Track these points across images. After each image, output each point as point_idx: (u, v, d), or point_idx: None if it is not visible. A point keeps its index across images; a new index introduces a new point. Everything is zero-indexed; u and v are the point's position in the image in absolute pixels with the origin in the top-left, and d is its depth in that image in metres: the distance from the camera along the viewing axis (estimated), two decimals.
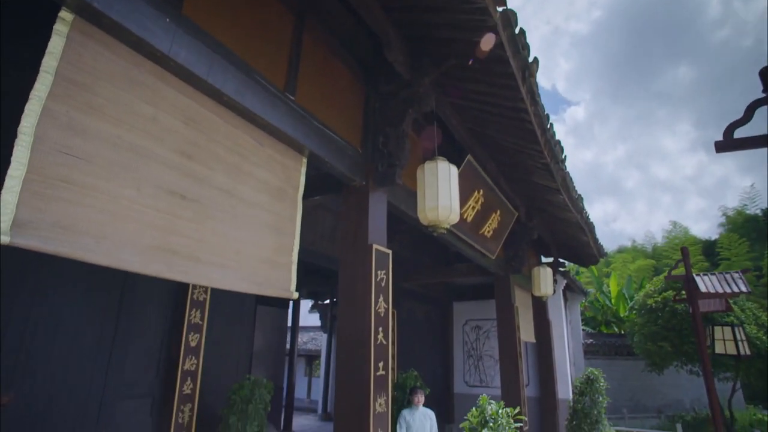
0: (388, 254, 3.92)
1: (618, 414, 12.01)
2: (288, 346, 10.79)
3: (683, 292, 8.13)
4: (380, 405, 3.47)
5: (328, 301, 13.04)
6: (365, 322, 3.55)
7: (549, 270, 7.88)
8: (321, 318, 13.91)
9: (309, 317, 18.98)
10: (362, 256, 3.72)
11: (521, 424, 3.09)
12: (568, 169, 5.94)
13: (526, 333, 8.72)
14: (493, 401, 3.16)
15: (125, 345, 4.57)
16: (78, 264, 4.27)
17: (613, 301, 16.15)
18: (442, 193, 3.60)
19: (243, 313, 5.92)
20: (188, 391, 4.81)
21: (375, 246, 3.75)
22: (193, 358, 4.91)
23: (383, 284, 3.76)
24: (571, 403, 6.92)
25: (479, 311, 10.87)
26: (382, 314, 3.68)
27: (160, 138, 2.48)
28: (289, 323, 11.27)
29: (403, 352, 9.25)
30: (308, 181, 3.67)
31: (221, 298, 5.50)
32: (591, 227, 8.15)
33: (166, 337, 4.90)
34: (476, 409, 3.00)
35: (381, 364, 3.56)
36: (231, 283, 2.75)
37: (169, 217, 2.45)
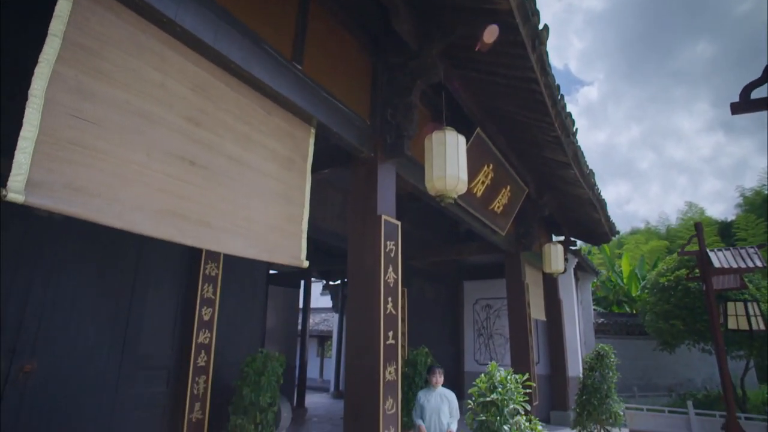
0: (397, 225, 3.93)
1: (628, 392, 12.02)
2: (300, 326, 10.95)
3: (696, 270, 8.04)
4: (390, 373, 3.52)
5: (339, 282, 13.15)
6: (375, 293, 3.58)
7: (560, 247, 7.84)
8: (332, 298, 14.04)
9: (321, 299, 19.18)
10: (371, 227, 3.73)
11: (530, 390, 3.12)
12: (579, 144, 5.86)
13: (537, 311, 8.73)
14: (502, 368, 3.19)
15: (140, 319, 4.67)
16: (93, 240, 4.38)
17: (625, 280, 16.02)
18: (450, 163, 3.58)
19: (255, 291, 6.00)
20: (202, 364, 4.92)
21: (384, 217, 3.76)
22: (207, 331, 5.00)
23: (392, 255, 3.78)
24: (581, 379, 6.94)
25: (490, 290, 10.88)
26: (392, 284, 3.71)
27: (169, 104, 2.49)
28: (301, 304, 11.42)
29: (413, 331, 9.32)
30: (317, 153, 3.68)
31: (233, 274, 5.58)
32: (602, 204, 8.06)
33: (179, 311, 5.00)
34: (485, 375, 3.03)
35: (390, 333, 3.60)
36: (242, 249, 2.78)
37: (178, 183, 2.48)
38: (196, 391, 4.81)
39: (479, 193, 5.71)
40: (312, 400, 11.16)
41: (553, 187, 7.61)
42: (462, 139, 3.78)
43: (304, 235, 3.25)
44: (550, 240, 10.08)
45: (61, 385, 4.02)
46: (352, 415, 3.51)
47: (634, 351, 13.21)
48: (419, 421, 4.54)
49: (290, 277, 11.30)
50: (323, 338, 18.75)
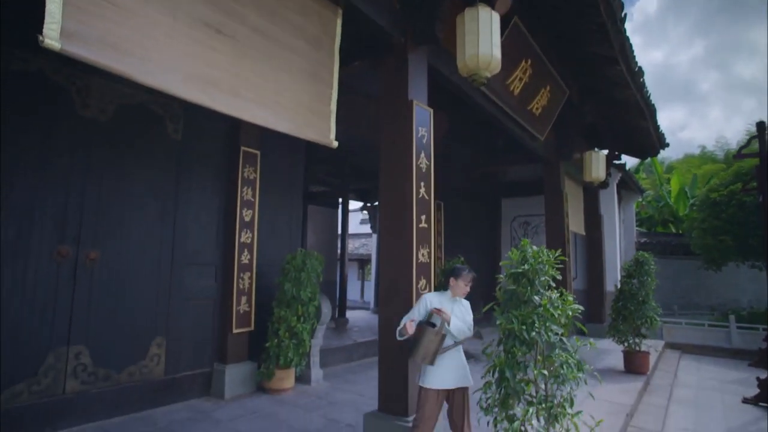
0: (429, 112, 3.86)
1: (668, 311, 11.96)
2: (339, 242, 11.30)
3: (754, 182, 7.55)
4: (423, 255, 3.62)
5: (377, 204, 13.34)
6: (406, 177, 3.59)
7: (602, 154, 7.50)
8: (370, 219, 14.28)
9: (360, 227, 19.66)
10: (403, 113, 3.68)
11: (562, 266, 3.14)
12: (627, 35, 5.40)
13: (575, 224, 8.59)
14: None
15: (186, 218, 4.95)
16: (137, 144, 4.57)
17: (672, 200, 15.32)
18: (482, 40, 3.40)
19: (293, 195, 6.15)
20: (246, 261, 5.22)
21: (415, 102, 3.68)
22: (248, 231, 5.26)
23: (424, 141, 3.75)
24: (618, 285, 6.91)
25: (528, 207, 10.75)
26: (424, 170, 3.71)
27: None
28: (340, 225, 11.71)
29: (449, 247, 9.45)
30: (347, 43, 3.57)
31: (270, 178, 5.73)
32: (652, 110, 7.56)
33: (222, 212, 5.25)
34: (517, 249, 3.05)
35: (423, 217, 3.65)
36: (273, 122, 2.83)
37: (206, 49, 2.50)
38: (241, 286, 5.15)
39: (516, 91, 5.46)
40: (353, 315, 11.75)
41: (596, 92, 7.15)
42: (496, 16, 3.55)
43: (333, 116, 3.25)
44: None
45: (123, 273, 4.40)
46: (386, 297, 3.67)
47: (676, 271, 12.95)
48: (411, 318, 3.03)
49: (328, 197, 11.55)
50: (363, 262, 19.39)
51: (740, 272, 11.82)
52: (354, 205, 15.84)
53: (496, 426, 2.81)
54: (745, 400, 6.02)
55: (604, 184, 10.08)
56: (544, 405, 2.72)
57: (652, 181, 17.82)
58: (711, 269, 11.35)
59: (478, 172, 9.44)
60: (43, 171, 3.94)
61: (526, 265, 2.97)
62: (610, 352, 7.94)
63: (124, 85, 4.51)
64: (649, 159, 17.40)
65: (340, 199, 11.43)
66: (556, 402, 2.76)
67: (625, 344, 6.64)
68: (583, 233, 9.34)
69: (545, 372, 2.75)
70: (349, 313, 11.41)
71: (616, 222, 10.81)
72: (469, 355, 3.32)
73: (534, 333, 2.78)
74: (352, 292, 18.76)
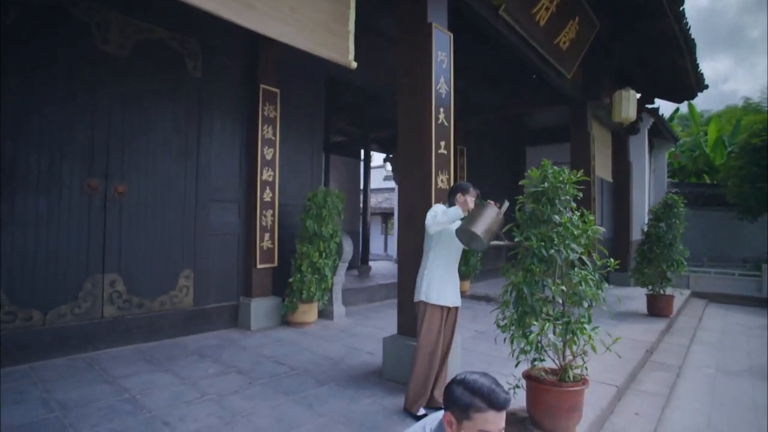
0: (449, 36, 3.72)
1: (698, 262, 11.68)
2: (361, 189, 11.33)
3: None
4: (441, 181, 3.59)
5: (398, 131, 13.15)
6: (426, 103, 3.52)
7: (632, 93, 7.13)
8: (393, 171, 14.18)
9: (384, 183, 19.65)
10: (422, 36, 3.56)
11: (582, 187, 3.06)
12: None
13: (602, 169, 8.34)
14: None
15: (209, 157, 5.02)
16: (159, 79, 4.59)
17: (709, 148, 14.59)
18: None
19: (313, 135, 6.13)
20: (268, 199, 5.30)
21: (435, 25, 3.55)
22: (270, 170, 5.31)
23: (444, 66, 3.64)
24: (645, 228, 6.74)
25: (553, 155, 10.26)
26: (444, 95, 3.62)
27: None
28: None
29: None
30: None
31: (290, 117, 5.72)
32: (691, 45, 7.10)
33: (244, 150, 5.30)
34: (537, 169, 2.98)
35: (443, 143, 3.60)
36: (289, 37, 2.78)
37: None
38: (264, 223, 5.26)
39: (542, 22, 5.19)
40: (376, 264, 11.93)
41: (628, 24, 6.73)
42: None
43: (352, 36, 3.17)
44: None
45: (149, 207, 4.54)
46: (405, 224, 3.68)
47: (708, 222, 12.54)
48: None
49: (350, 147, 11.49)
50: (386, 216, 19.51)
51: None
52: (377, 161, 15.72)
53: (512, 343, 2.85)
54: None
55: (634, 130, 9.71)
56: (561, 321, 2.73)
57: (687, 133, 17.00)
58: (746, 220, 10.94)
59: (502, 115, 9.15)
60: (68, 105, 4.02)
61: (546, 183, 2.92)
62: (634, 298, 7.87)
63: (142, 20, 4.50)
64: (684, 110, 16.54)
65: (362, 151, 11.36)
66: (573, 319, 2.76)
67: (649, 288, 6.57)
68: (610, 180, 9.07)
69: (563, 288, 2.75)
70: (372, 264, 11.59)
71: (645, 170, 10.45)
72: (489, 298, 3.41)
73: (553, 251, 2.76)
74: (376, 246, 18.99)
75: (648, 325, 5.84)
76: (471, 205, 3.06)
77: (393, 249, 16.62)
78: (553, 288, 2.73)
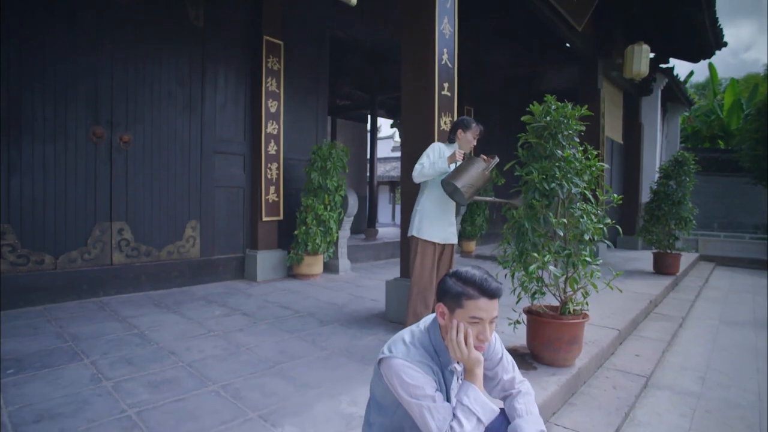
0: None
1: (709, 228, 11.57)
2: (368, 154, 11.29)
3: None
4: (445, 123, 3.55)
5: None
6: (429, 42, 3.46)
7: (645, 47, 6.91)
8: (400, 136, 14.11)
9: (392, 153, 19.55)
10: None
11: (588, 123, 3.00)
12: None
13: (612, 129, 8.19)
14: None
15: (213, 109, 5.00)
16: (161, 27, 4.55)
17: (725, 113, 14.17)
18: None
19: (317, 90, 6.07)
20: (273, 152, 5.30)
21: None
22: (274, 123, 5.29)
23: (447, 5, 3.55)
24: (654, 186, 6.65)
25: None
26: (447, 36, 3.55)
27: None
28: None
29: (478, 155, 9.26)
30: None
31: (294, 69, 5.66)
32: None
33: (248, 103, 5.27)
34: (538, 104, 2.91)
35: (446, 85, 3.55)
36: None
37: None
38: (269, 176, 5.27)
39: None
40: (383, 230, 11.98)
41: None
42: None
43: None
44: None
45: (155, 157, 4.57)
46: (408, 168, 3.66)
47: (720, 188, 12.34)
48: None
49: (357, 109, 11.39)
50: (395, 184, 19.46)
51: None
52: (385, 131, 15.57)
53: (513, 277, 2.86)
54: None
55: (647, 90, 9.48)
56: (562, 254, 2.73)
57: (702, 101, 16.51)
58: (760, 184, 10.75)
59: (510, 74, 8.96)
60: (71, 51, 4.01)
61: (548, 118, 2.87)
62: (641, 259, 7.87)
63: None
64: (698, 78, 16.03)
65: (369, 116, 11.23)
66: (574, 252, 2.76)
67: (656, 245, 6.53)
68: (621, 141, 8.92)
69: (564, 221, 2.74)
70: (380, 229, 11.64)
71: (657, 133, 10.25)
72: (495, 258, 3.40)
73: (554, 184, 2.74)
74: (383, 216, 19.04)
75: (653, 281, 5.84)
76: (469, 143, 3.05)
77: (400, 218, 16.62)
78: (554, 221, 2.72)
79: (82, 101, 4.08)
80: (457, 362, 1.45)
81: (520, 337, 3.08)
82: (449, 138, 3.14)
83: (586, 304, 2.89)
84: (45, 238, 3.90)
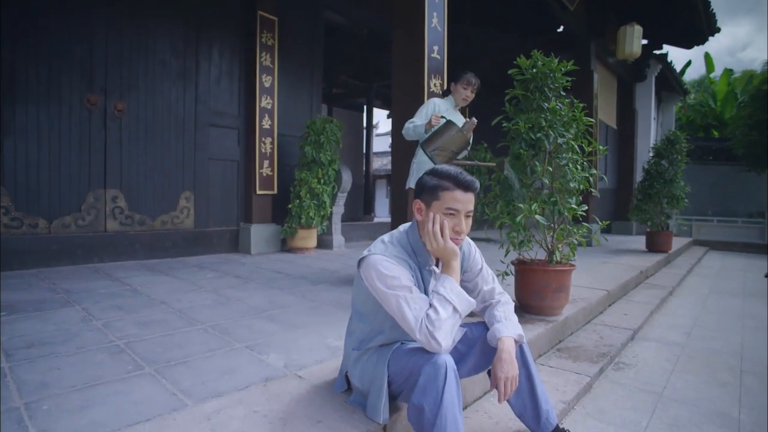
0: None
1: (703, 216, 11.62)
2: (365, 155, 11.33)
3: None
4: (435, 85, 3.59)
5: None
6: (419, 5, 3.49)
7: (637, 27, 6.95)
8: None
9: (390, 149, 19.48)
10: None
11: (573, 78, 3.03)
12: None
13: (606, 114, 8.25)
14: None
15: (208, 81, 5.03)
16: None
17: (719, 102, 14.24)
18: None
19: (312, 67, 6.09)
20: (267, 126, 5.33)
21: None
22: (268, 97, 5.33)
23: None
24: (646, 166, 6.70)
25: None
26: (437, 1, 3.59)
27: None
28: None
29: (477, 137, 9.29)
30: None
31: (288, 46, 5.68)
32: None
33: (242, 77, 5.30)
34: (526, 59, 2.94)
35: (436, 48, 3.59)
36: None
37: None
38: (263, 150, 5.31)
39: None
40: (379, 219, 12.03)
41: None
42: None
43: None
44: None
45: (149, 126, 4.60)
46: (398, 131, 3.70)
47: (714, 177, 12.39)
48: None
49: (353, 98, 11.44)
50: (391, 178, 19.51)
51: None
52: (383, 129, 15.56)
53: (501, 229, 2.90)
54: None
55: (641, 76, 9.54)
56: (548, 201, 2.76)
57: (696, 96, 16.57)
58: (754, 172, 10.80)
59: (506, 60, 8.97)
60: (65, 16, 4.04)
61: (534, 70, 2.91)
62: (635, 242, 7.91)
63: None
64: (692, 76, 16.08)
65: (365, 107, 11.27)
66: (560, 200, 2.80)
67: (649, 224, 6.58)
68: (614, 126, 8.98)
69: (550, 168, 2.78)
70: (377, 219, 11.68)
71: (651, 119, 10.30)
72: (490, 239, 3.46)
73: (540, 134, 2.78)
74: (380, 210, 19.04)
75: (646, 257, 5.88)
76: (462, 94, 3.13)
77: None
78: (540, 169, 2.75)
79: (77, 67, 4.11)
80: (436, 262, 1.49)
81: (508, 289, 3.11)
82: (444, 92, 3.20)
83: (574, 257, 2.93)
84: (39, 202, 3.92)
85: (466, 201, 1.38)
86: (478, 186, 1.43)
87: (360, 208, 10.51)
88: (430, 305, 1.33)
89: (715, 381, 2.39)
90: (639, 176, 9.74)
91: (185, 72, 4.85)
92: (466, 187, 1.38)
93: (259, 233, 5.24)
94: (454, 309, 1.34)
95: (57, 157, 4.00)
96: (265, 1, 5.27)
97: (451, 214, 1.38)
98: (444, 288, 1.35)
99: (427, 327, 1.29)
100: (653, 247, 6.46)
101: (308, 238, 5.33)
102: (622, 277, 4.39)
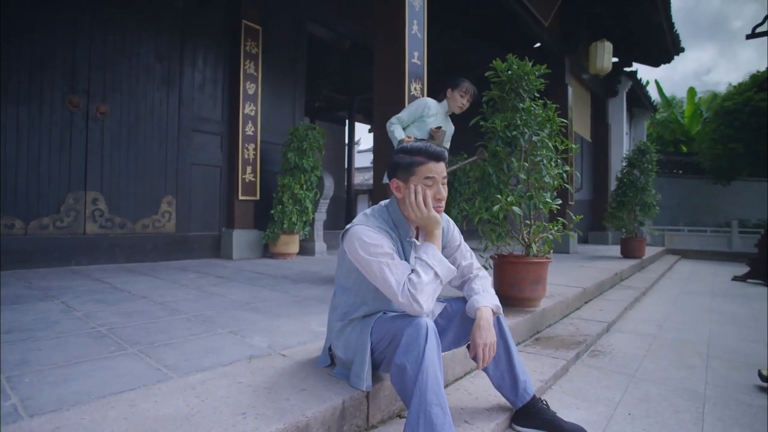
0: None
1: (675, 226, 12.00)
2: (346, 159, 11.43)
3: None
4: (415, 89, 3.71)
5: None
6: (400, 12, 3.63)
7: (608, 44, 7.30)
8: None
9: (371, 164, 19.64)
10: None
11: (547, 81, 3.19)
12: None
13: (581, 127, 8.55)
14: None
15: (191, 88, 5.07)
16: (138, 4, 4.63)
17: (686, 119, 14.89)
18: None
19: (295, 75, 6.18)
20: (250, 133, 5.38)
21: None
22: (252, 105, 5.39)
23: None
24: (619, 176, 6.95)
25: None
26: (417, 8, 3.74)
27: None
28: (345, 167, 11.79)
29: (452, 149, 9.48)
30: None
31: (272, 54, 5.77)
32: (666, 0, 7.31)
33: (226, 84, 5.36)
34: (502, 62, 3.08)
35: (416, 54, 3.72)
36: None
37: None
38: (246, 156, 5.34)
39: None
40: None
41: None
42: None
43: None
44: None
45: (132, 130, 4.60)
46: (379, 124, 3.78)
47: (685, 190, 12.85)
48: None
49: (335, 111, 11.57)
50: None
51: (749, 189, 11.70)
52: (365, 146, 15.75)
53: (478, 222, 2.99)
54: (735, 278, 6.19)
55: (613, 92, 9.94)
56: (524, 195, 2.87)
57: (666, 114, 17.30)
58: (720, 184, 11.28)
59: (479, 68, 9.26)
60: (48, 17, 4.05)
61: (509, 72, 3.05)
62: (609, 250, 8.13)
63: None
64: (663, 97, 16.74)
65: (347, 121, 11.43)
66: (536, 194, 2.91)
67: (623, 231, 6.79)
68: (589, 139, 9.29)
69: (526, 164, 2.90)
70: None
71: (624, 134, 10.69)
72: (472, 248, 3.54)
73: (516, 132, 2.91)
74: None
75: (621, 262, 6.06)
76: (458, 101, 3.23)
77: None
78: (516, 165, 2.87)
79: (59, 68, 4.11)
80: (416, 234, 1.56)
81: None
82: (438, 98, 3.29)
83: (550, 251, 3.03)
84: (16, 202, 3.87)
85: (440, 170, 1.48)
86: (447, 155, 1.52)
87: (342, 220, 10.55)
88: (413, 270, 1.40)
89: (684, 364, 2.49)
90: (613, 187, 10.11)
91: (169, 77, 4.88)
92: (437, 157, 1.47)
93: (242, 238, 5.23)
94: (436, 274, 1.40)
95: (36, 157, 3.96)
96: (249, 10, 5.37)
97: (429, 184, 1.46)
98: (426, 254, 1.42)
99: (409, 290, 1.34)
100: (628, 253, 6.66)
101: (290, 243, 5.34)
102: (598, 277, 4.53)
